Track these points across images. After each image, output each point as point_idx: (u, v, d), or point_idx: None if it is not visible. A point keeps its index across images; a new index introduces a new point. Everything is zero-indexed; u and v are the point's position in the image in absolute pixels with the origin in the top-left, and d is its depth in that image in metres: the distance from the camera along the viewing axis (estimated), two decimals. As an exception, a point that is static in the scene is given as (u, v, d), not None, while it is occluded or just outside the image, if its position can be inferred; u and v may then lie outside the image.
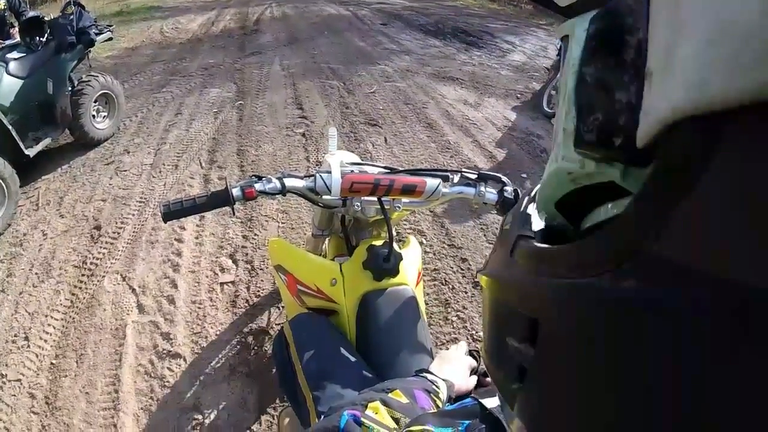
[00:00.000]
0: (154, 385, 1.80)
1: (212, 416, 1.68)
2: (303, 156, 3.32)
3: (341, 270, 1.11)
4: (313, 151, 3.35)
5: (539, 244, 0.27)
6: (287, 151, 3.38)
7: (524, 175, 3.05)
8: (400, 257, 1.10)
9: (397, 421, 0.64)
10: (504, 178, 1.10)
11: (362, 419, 0.62)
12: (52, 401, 1.77)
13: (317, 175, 0.99)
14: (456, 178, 1.10)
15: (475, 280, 2.29)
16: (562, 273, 0.22)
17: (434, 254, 2.44)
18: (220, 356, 1.89)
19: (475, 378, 0.91)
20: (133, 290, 2.20)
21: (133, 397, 1.76)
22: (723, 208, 0.14)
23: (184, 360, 1.88)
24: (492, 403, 0.50)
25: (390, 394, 0.70)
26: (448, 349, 0.97)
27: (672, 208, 0.15)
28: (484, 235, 2.56)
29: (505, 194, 1.08)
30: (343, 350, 0.99)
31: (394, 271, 1.09)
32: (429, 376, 0.80)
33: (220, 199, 0.92)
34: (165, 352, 1.91)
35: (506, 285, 0.31)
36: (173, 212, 0.91)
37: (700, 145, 0.15)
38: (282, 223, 2.61)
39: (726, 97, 0.13)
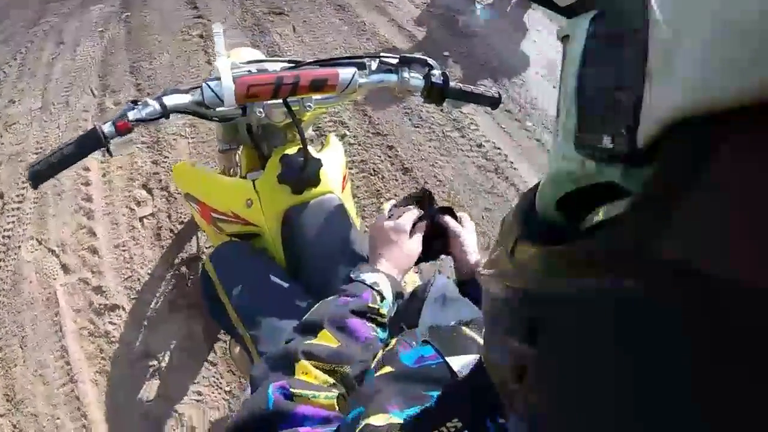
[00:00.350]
0: (102, 344, 1.75)
1: (166, 358, 1.67)
2: (204, 60, 3.01)
3: (255, 188, 1.00)
4: (215, 53, 3.04)
5: (539, 245, 0.27)
6: (185, 59, 3.05)
7: (447, 54, 2.88)
8: (318, 163, 0.99)
9: (332, 372, 0.57)
10: (430, 61, 0.96)
11: (292, 390, 0.53)
12: (12, 397, 1.70)
13: (204, 85, 0.83)
14: (374, 65, 0.95)
15: (405, 167, 2.24)
16: (562, 273, 0.23)
17: (360, 145, 2.35)
18: (157, 295, 1.84)
19: (417, 235, 0.81)
20: (53, 252, 2.05)
21: (85, 363, 1.71)
22: (724, 208, 0.14)
23: (123, 309, 1.82)
24: (459, 362, 0.46)
25: (316, 339, 0.60)
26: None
27: (673, 208, 0.15)
28: (409, 120, 2.47)
29: (433, 79, 0.95)
30: (273, 278, 0.91)
31: (315, 180, 0.99)
32: (367, 278, 0.70)
33: (90, 143, 0.77)
34: (102, 306, 1.84)
35: (506, 285, 0.30)
36: (41, 173, 0.75)
37: (701, 145, 0.15)
38: (192, 138, 2.41)
39: (726, 98, 0.13)
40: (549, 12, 3.44)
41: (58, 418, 1.61)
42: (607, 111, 0.22)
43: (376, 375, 0.51)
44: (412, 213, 0.83)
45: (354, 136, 2.38)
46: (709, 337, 0.14)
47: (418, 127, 2.45)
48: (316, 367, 0.56)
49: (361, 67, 0.93)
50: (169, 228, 2.00)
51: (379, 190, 2.13)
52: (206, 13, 3.54)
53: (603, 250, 0.20)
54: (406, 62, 0.95)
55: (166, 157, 2.32)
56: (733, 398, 0.13)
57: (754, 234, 0.13)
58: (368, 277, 0.70)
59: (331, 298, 0.68)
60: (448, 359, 0.47)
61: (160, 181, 2.20)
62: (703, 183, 0.14)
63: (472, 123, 2.48)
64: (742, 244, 0.13)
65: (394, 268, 0.75)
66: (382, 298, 0.68)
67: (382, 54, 0.96)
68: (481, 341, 0.49)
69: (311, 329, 0.62)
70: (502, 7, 3.29)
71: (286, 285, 0.90)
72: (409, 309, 0.81)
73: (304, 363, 0.56)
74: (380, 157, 2.29)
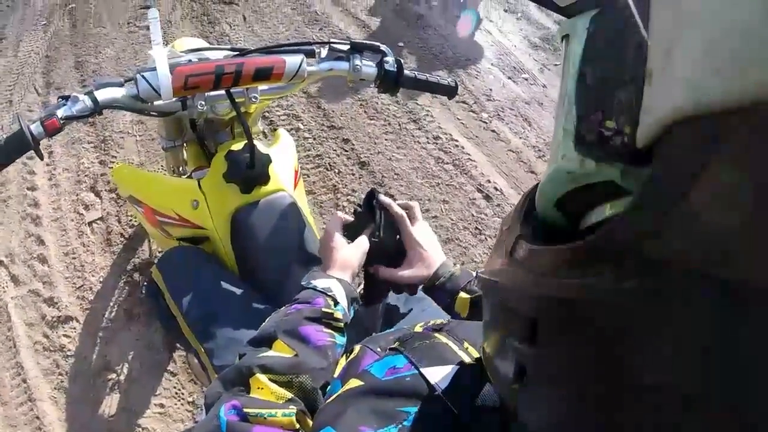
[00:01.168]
0: (58, 358, 1.68)
1: (125, 370, 1.63)
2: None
3: (200, 188, 0.94)
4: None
5: (539, 244, 0.27)
6: (132, 52, 2.94)
7: (401, 44, 2.87)
8: (267, 159, 0.94)
9: (289, 384, 0.54)
10: (383, 47, 0.92)
11: (246, 410, 0.49)
12: (-26, 425, 1.61)
13: (138, 76, 0.75)
14: (324, 52, 0.91)
15: (361, 160, 2.24)
16: (562, 273, 0.23)
17: (314, 139, 2.33)
18: (112, 304, 1.78)
19: (361, 241, 0.76)
20: (1, 263, 1.96)
21: (43, 380, 1.65)
22: (723, 208, 0.14)
23: (77, 321, 1.76)
24: (436, 374, 0.43)
25: (271, 351, 0.57)
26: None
27: (672, 207, 0.15)
28: (365, 112, 2.46)
29: (386, 66, 0.90)
30: (224, 284, 0.86)
31: (264, 178, 0.93)
32: (318, 284, 0.67)
33: (16, 145, 0.69)
34: (55, 319, 1.77)
35: (506, 285, 0.31)
36: None
37: (700, 145, 0.15)
38: (140, 135, 2.34)
39: (726, 98, 0.13)
40: (503, 2, 3.47)
41: (20, 441, 1.55)
42: (607, 111, 0.22)
43: (344, 389, 0.47)
44: (338, 217, 0.81)
45: (308, 130, 2.36)
46: (709, 336, 0.14)
47: (373, 119, 2.45)
48: (273, 381, 0.53)
49: (310, 54, 0.88)
50: (119, 232, 1.94)
51: (335, 185, 2.13)
52: (154, 4, 3.41)
53: (602, 249, 0.20)
54: (357, 49, 0.91)
55: (114, 156, 2.25)
56: (733, 396, 0.14)
57: (754, 234, 0.13)
58: (319, 283, 0.67)
59: (283, 307, 0.66)
60: (424, 371, 0.43)
61: (108, 182, 2.13)
62: (703, 183, 0.14)
63: (428, 115, 2.49)
64: (741, 243, 0.13)
65: (343, 272, 0.73)
66: (336, 303, 0.65)
67: (332, 40, 0.92)
68: (455, 348, 0.47)
69: (265, 341, 0.59)
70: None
71: (239, 291, 0.86)
72: (369, 312, 0.81)
73: (260, 378, 0.53)
74: (336, 150, 2.28)
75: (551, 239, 0.26)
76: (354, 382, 0.46)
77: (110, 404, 1.57)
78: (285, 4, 3.27)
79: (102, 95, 0.75)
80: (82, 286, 1.83)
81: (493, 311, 0.34)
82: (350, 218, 0.81)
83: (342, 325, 0.65)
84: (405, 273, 0.77)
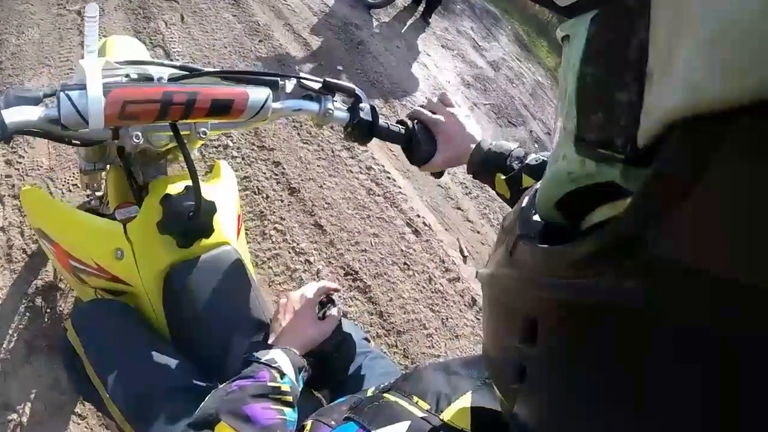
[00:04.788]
0: None
1: (27, 410, 1.45)
2: (78, 41, 2.67)
3: (126, 234, 0.80)
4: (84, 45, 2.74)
5: (539, 244, 0.27)
6: (57, 36, 2.69)
7: (340, 68, 2.90)
8: (212, 208, 0.80)
9: None
10: (358, 91, 0.82)
11: None
12: None
13: (62, 94, 0.57)
14: (290, 86, 0.78)
15: (292, 186, 2.23)
16: (562, 273, 0.23)
17: (243, 159, 2.26)
18: (10, 332, 1.59)
19: (331, 321, 0.76)
20: None
21: None
22: (724, 208, 0.14)
23: None
24: None
25: None
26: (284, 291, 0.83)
27: (672, 208, 0.15)
28: (298, 134, 2.45)
29: (361, 114, 0.81)
30: (156, 356, 0.73)
31: (207, 230, 0.81)
32: (262, 356, 0.64)
33: None
34: None
35: (506, 285, 0.31)
36: None
37: (701, 145, 0.15)
38: (54, 139, 2.15)
39: (726, 98, 0.13)
40: (441, 38, 3.61)
41: None
42: (607, 111, 0.22)
43: None
44: (322, 287, 0.79)
45: (237, 148, 2.30)
46: (709, 336, 0.14)
47: (307, 143, 2.45)
48: None
49: (273, 86, 0.74)
50: (21, 247, 1.76)
51: (263, 212, 2.09)
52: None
53: (603, 250, 0.20)
54: (330, 89, 0.79)
55: (21, 156, 2.05)
56: (733, 397, 0.14)
57: (754, 234, 0.13)
58: (262, 355, 0.64)
59: (224, 384, 0.62)
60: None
61: (13, 186, 1.94)
62: (703, 183, 0.14)
63: (361, 144, 2.53)
64: (743, 244, 0.13)
65: (294, 342, 0.70)
66: (282, 375, 0.62)
67: (302, 75, 0.79)
68: (405, 404, 0.48)
69: (206, 424, 0.56)
70: (397, 28, 3.38)
71: (173, 363, 0.74)
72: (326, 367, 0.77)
73: None
74: (265, 174, 2.25)
75: (551, 239, 0.27)
76: None
77: (11, 450, 1.42)
78: (227, 8, 3.17)
79: (12, 116, 0.57)
80: (-24, 307, 1.65)
81: (493, 311, 0.34)
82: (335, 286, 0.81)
83: (291, 398, 0.61)
84: (437, 159, 0.82)
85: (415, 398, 0.49)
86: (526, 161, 0.75)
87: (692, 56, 0.15)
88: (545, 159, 0.74)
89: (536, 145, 3.45)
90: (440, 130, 0.83)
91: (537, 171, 0.73)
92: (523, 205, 0.33)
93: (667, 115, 0.16)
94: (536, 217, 0.31)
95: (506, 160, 0.76)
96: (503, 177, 0.76)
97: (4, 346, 1.58)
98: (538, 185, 0.31)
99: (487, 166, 0.78)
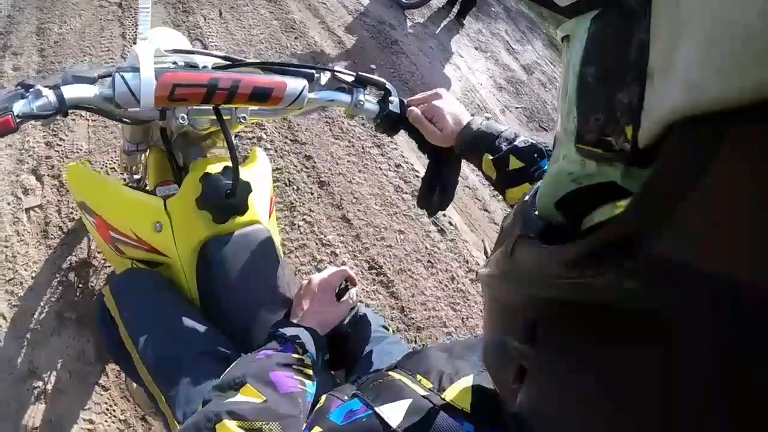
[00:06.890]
0: None
1: (52, 379, 1.50)
2: (119, 32, 2.76)
3: (166, 209, 0.84)
4: (131, 26, 2.80)
5: (539, 244, 0.27)
6: (99, 27, 2.78)
7: (373, 67, 2.91)
8: (248, 188, 0.85)
9: (258, 431, 0.53)
10: (388, 85, 0.87)
11: None
12: None
13: (117, 75, 0.63)
14: (324, 79, 0.84)
15: (322, 180, 2.25)
16: (562, 273, 0.22)
17: (276, 151, 2.30)
18: (42, 304, 1.65)
19: (347, 303, 0.80)
20: None
21: None
22: (724, 207, 0.14)
23: (4, 318, 1.62)
24: (391, 410, 0.44)
25: (239, 395, 0.56)
26: (309, 275, 0.83)
27: (672, 208, 0.15)
28: (330, 130, 2.47)
29: (390, 107, 0.86)
30: (187, 322, 0.77)
31: (242, 208, 0.85)
32: (288, 331, 0.67)
33: None
34: None
35: (506, 285, 0.31)
36: None
37: (701, 145, 0.15)
38: (93, 120, 2.20)
39: (726, 98, 0.13)
40: (475, 39, 3.59)
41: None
42: (607, 111, 0.22)
43: None
44: (342, 271, 0.82)
45: (271, 141, 2.34)
46: (709, 336, 0.14)
47: (338, 138, 2.46)
48: (241, 427, 0.52)
49: (310, 78, 0.80)
50: (58, 225, 1.83)
51: (293, 203, 2.12)
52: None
53: (603, 250, 0.19)
54: (362, 82, 0.86)
55: (62, 139, 2.12)
56: (732, 398, 0.14)
57: (754, 234, 0.13)
58: (288, 331, 0.68)
59: (251, 352, 0.65)
60: (379, 409, 0.45)
61: (52, 167, 2.00)
62: (703, 183, 0.14)
63: (391, 141, 2.53)
64: (742, 243, 0.13)
65: (313, 321, 0.73)
66: (305, 351, 0.66)
67: (336, 68, 0.86)
68: (408, 382, 0.49)
69: (232, 385, 0.58)
70: (431, 29, 3.38)
71: (202, 328, 0.78)
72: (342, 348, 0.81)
73: (228, 424, 0.51)
74: (297, 166, 2.27)
75: (552, 239, 0.27)
76: (315, 430, 0.48)
77: (35, 415, 1.46)
78: (264, 5, 3.22)
79: (70, 92, 0.62)
80: (12, 279, 1.71)
81: (493, 311, 0.34)
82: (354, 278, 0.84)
83: (311, 372, 0.64)
84: (433, 138, 0.84)
85: (419, 377, 0.50)
86: (515, 143, 0.75)
87: (692, 56, 0.15)
88: (534, 142, 0.74)
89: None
90: (434, 112, 0.84)
91: (525, 153, 0.74)
92: (524, 204, 0.33)
93: (668, 116, 0.16)
94: (536, 217, 0.31)
95: (495, 140, 0.76)
96: (490, 157, 0.76)
97: (35, 316, 1.64)
98: (538, 185, 0.31)
99: (476, 145, 0.78)
